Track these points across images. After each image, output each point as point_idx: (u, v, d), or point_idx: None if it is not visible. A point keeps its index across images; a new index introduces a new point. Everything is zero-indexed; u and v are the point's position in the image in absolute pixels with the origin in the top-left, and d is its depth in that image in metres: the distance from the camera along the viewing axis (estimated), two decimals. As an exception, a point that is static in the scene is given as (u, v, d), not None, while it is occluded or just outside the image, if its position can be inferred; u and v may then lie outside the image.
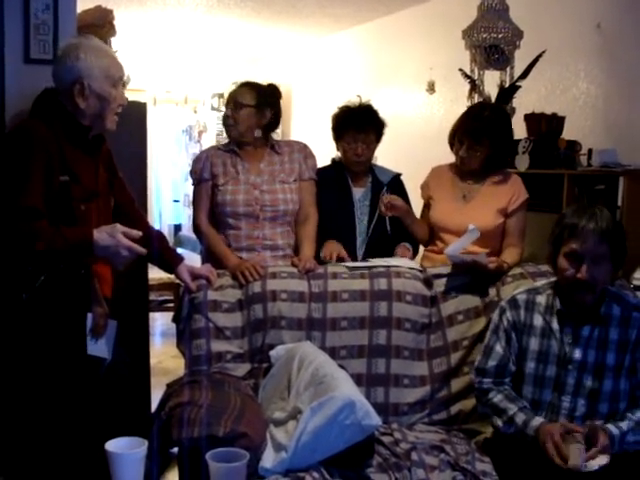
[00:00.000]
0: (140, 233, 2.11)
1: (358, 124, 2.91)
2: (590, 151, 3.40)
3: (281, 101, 2.95)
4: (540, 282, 2.30)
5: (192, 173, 2.87)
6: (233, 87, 2.92)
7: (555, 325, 2.16)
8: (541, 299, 2.21)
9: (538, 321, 2.19)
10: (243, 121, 2.80)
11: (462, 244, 2.57)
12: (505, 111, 3.06)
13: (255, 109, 2.80)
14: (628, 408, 2.10)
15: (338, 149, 3.03)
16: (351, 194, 2.97)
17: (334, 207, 2.90)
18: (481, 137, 2.67)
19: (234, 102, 2.82)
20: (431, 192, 2.85)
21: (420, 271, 2.68)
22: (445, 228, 2.76)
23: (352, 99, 3.07)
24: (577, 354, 2.11)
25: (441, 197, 2.82)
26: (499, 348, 2.23)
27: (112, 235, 2.03)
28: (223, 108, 3.25)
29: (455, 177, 2.82)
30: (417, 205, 2.95)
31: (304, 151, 2.90)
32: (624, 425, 2.02)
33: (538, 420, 2.07)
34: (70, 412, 2.12)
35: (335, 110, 3.05)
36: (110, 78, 2.18)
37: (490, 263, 2.54)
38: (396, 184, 3.04)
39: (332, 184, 2.95)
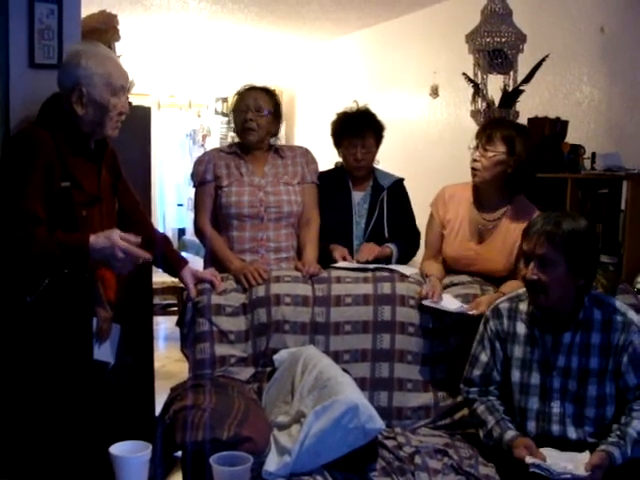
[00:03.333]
0: (139, 239, 2.05)
1: (356, 129, 2.92)
2: (593, 155, 3.40)
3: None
4: (522, 289, 2.23)
5: (194, 175, 2.84)
6: (244, 89, 2.85)
7: (537, 332, 2.15)
8: (523, 307, 2.20)
9: (521, 329, 2.18)
10: (265, 127, 2.78)
11: (442, 307, 2.45)
12: (526, 129, 2.83)
13: (273, 116, 2.81)
14: (621, 417, 2.08)
15: (339, 155, 3.03)
16: (350, 197, 2.97)
17: (332, 209, 2.90)
18: (494, 130, 2.50)
19: (257, 107, 2.76)
20: (448, 216, 2.65)
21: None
22: (453, 266, 2.66)
23: (350, 105, 3.07)
24: (560, 360, 2.10)
25: (456, 230, 2.63)
26: (484, 357, 2.23)
27: (108, 237, 2.00)
28: (227, 112, 3.23)
29: (473, 209, 2.63)
30: (420, 209, 2.94)
31: (306, 156, 2.90)
32: (625, 442, 1.99)
33: (510, 434, 2.08)
34: (74, 415, 2.13)
35: (333, 117, 3.06)
36: (110, 86, 2.15)
37: (472, 310, 2.41)
38: (397, 189, 3.03)
39: (332, 187, 2.95)
